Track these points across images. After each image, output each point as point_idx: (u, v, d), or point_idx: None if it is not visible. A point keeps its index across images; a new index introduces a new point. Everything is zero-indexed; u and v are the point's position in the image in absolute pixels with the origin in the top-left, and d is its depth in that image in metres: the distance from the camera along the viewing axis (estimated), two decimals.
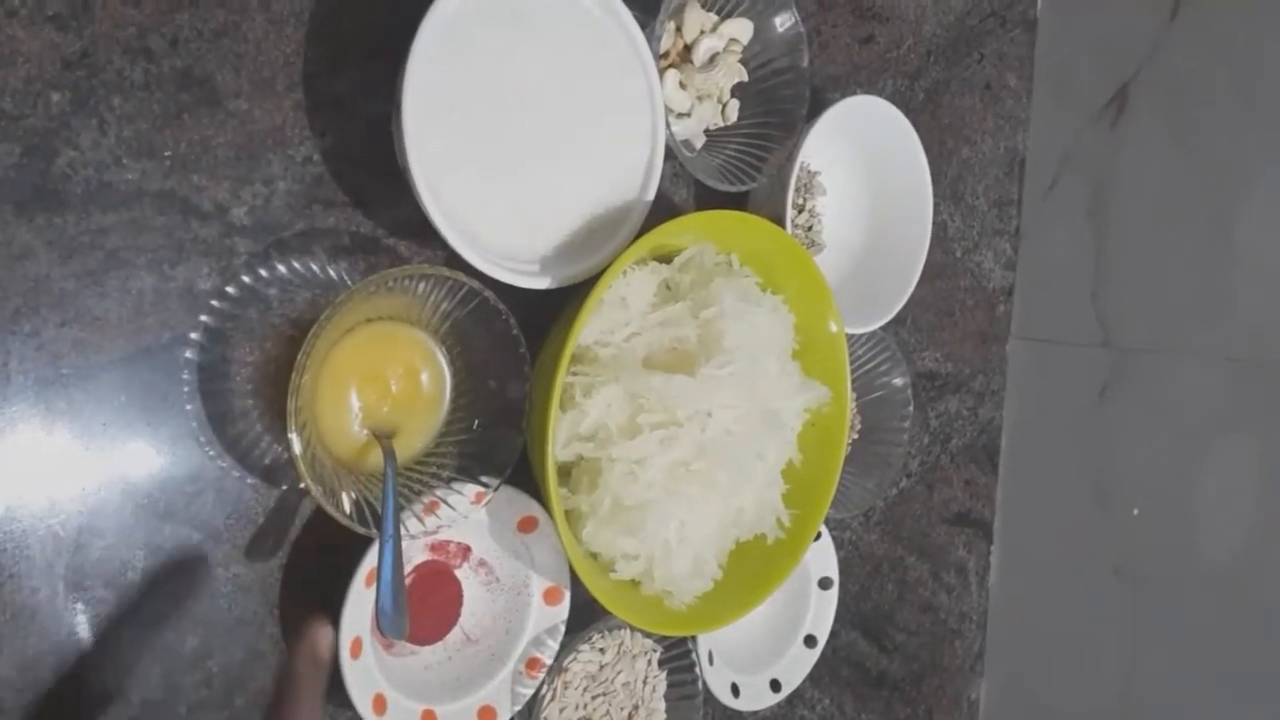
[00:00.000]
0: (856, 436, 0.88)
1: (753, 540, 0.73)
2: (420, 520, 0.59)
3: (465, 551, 0.66)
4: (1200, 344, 0.98)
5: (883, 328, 0.85)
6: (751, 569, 0.73)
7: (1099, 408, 1.03)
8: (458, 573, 0.67)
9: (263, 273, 0.58)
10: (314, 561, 0.61)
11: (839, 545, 0.94)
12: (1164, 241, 1.01)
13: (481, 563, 0.67)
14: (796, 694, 0.91)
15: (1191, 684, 0.98)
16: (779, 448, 0.70)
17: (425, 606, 0.65)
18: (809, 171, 0.82)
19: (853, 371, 0.86)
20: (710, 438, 0.65)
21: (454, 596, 0.67)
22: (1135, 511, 1.01)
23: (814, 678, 0.93)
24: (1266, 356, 0.95)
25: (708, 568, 0.68)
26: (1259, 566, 0.95)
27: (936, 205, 0.86)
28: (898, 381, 0.87)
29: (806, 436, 0.75)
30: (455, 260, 0.58)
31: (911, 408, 0.88)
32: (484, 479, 0.62)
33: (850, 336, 0.82)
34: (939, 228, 0.98)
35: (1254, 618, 0.94)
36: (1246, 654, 0.94)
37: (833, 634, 0.93)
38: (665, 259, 0.69)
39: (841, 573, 0.94)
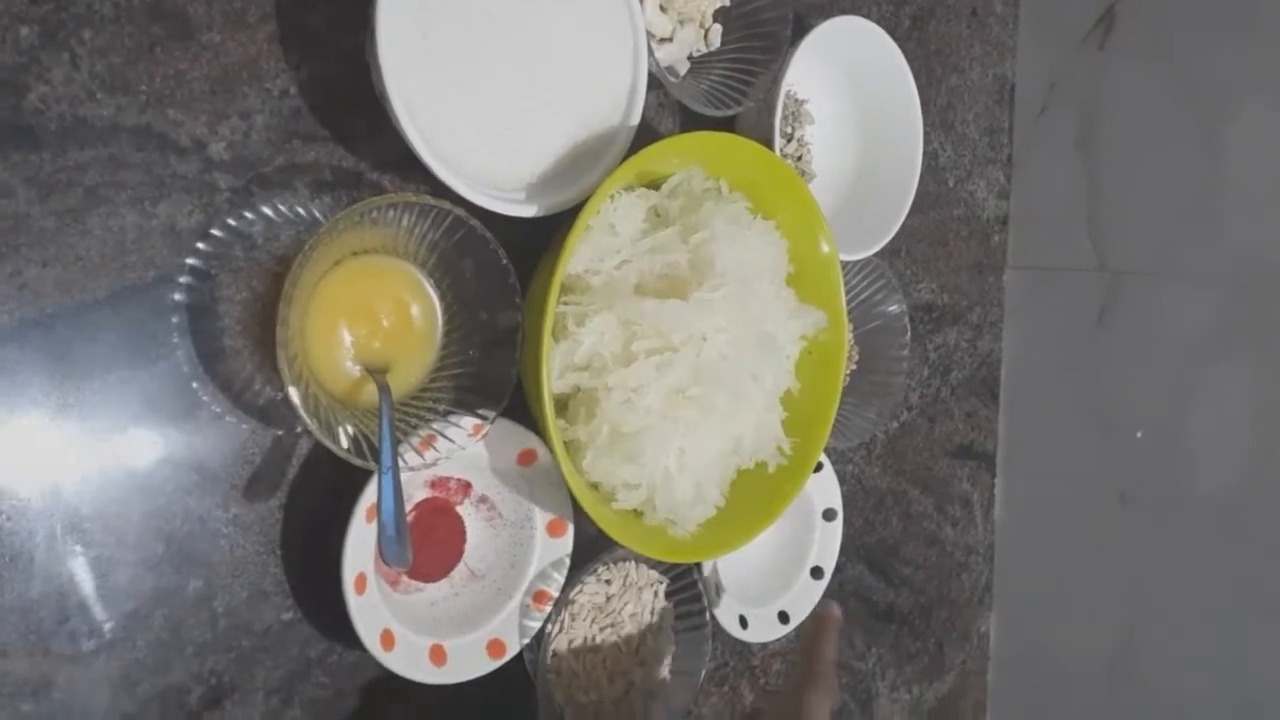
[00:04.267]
0: (855, 367, 0.88)
1: (754, 469, 0.73)
2: (418, 453, 0.59)
3: (466, 488, 0.66)
4: (1194, 266, 0.97)
5: (878, 257, 0.84)
6: (754, 497, 0.73)
7: (1097, 334, 1.03)
8: (459, 509, 0.66)
9: (245, 212, 0.57)
10: (313, 501, 0.61)
11: (841, 479, 0.93)
12: (1156, 164, 1.00)
13: (483, 498, 0.67)
14: None
15: (1195, 609, 0.98)
16: (775, 371, 0.69)
17: (428, 544, 0.65)
18: (796, 100, 0.81)
19: (849, 301, 0.86)
20: (705, 362, 0.64)
21: (457, 533, 0.66)
22: (1139, 435, 1.01)
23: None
24: (1258, 277, 0.94)
25: (709, 494, 0.68)
26: (1258, 491, 0.95)
27: (926, 134, 0.85)
28: (894, 309, 0.86)
29: (804, 364, 0.74)
30: (441, 192, 0.57)
31: (909, 336, 0.87)
32: (481, 411, 0.61)
33: (844, 265, 0.81)
34: (930, 157, 0.97)
35: (1256, 543, 0.94)
36: (1249, 579, 0.94)
37: (839, 567, 0.93)
38: (653, 186, 0.68)
39: (845, 506, 0.94)
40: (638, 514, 0.67)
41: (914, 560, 1.01)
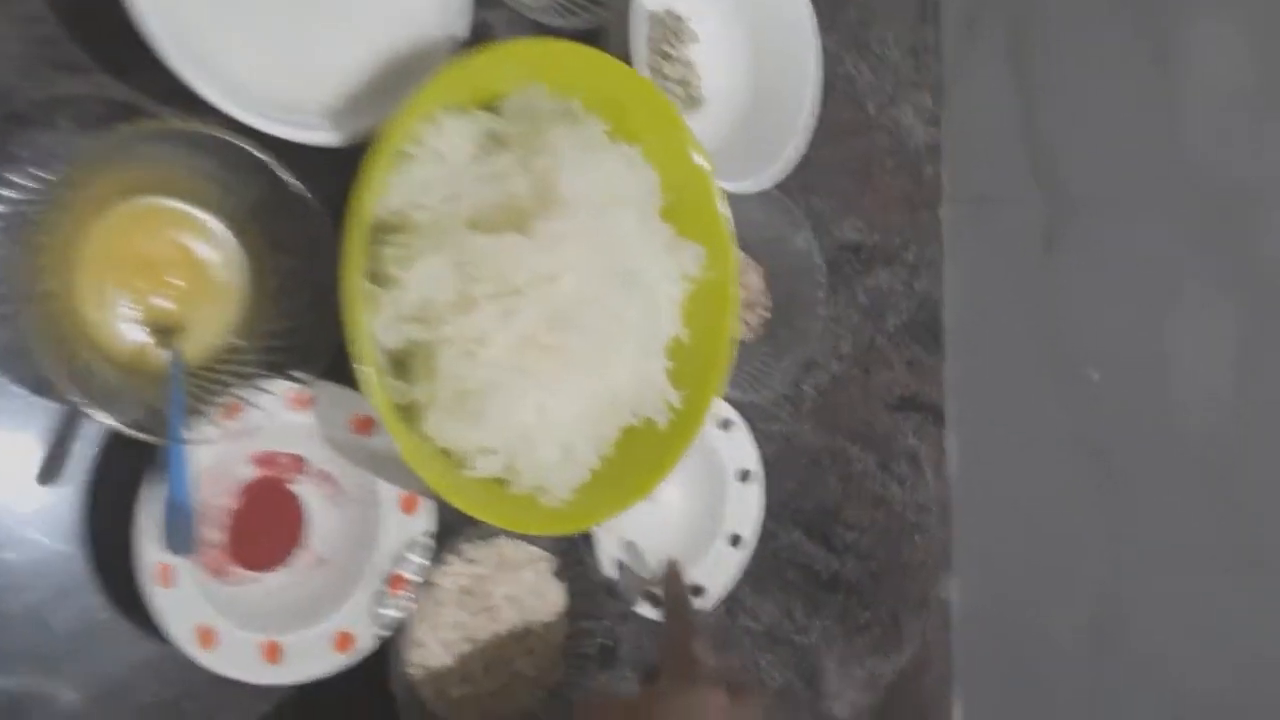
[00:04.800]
0: (768, 314, 0.80)
1: (642, 426, 0.65)
2: (219, 425, 0.51)
3: (299, 463, 0.58)
4: (1150, 186, 0.89)
5: (786, 193, 0.77)
6: (643, 457, 0.65)
7: (1046, 267, 0.95)
8: (296, 488, 0.59)
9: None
10: (119, 483, 0.53)
11: (768, 439, 0.86)
12: (1100, 77, 0.92)
13: (323, 475, 0.59)
14: (736, 601, 0.84)
15: (1178, 561, 0.90)
16: (646, 314, 0.61)
17: (262, 528, 0.58)
18: (675, 16, 0.73)
19: (755, 240, 0.78)
20: (558, 306, 0.56)
21: (295, 514, 0.59)
22: (1095, 376, 0.93)
23: (756, 583, 0.85)
24: (1225, 193, 0.86)
25: (581, 456, 0.60)
26: (1238, 428, 0.87)
27: (839, 56, 0.78)
28: (801, 244, 0.78)
29: (692, 308, 0.67)
30: (234, 126, 0.50)
31: (824, 275, 0.79)
32: (297, 375, 0.54)
33: (743, 201, 0.74)
34: (845, 81, 0.89)
35: (1237, 487, 0.86)
36: (1232, 527, 0.86)
37: (771, 535, 0.86)
38: (493, 109, 0.60)
39: (775, 468, 0.86)
40: (501, 483, 0.59)
41: (858, 523, 0.93)
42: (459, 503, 0.56)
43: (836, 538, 0.92)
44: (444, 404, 0.55)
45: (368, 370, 0.51)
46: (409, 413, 0.57)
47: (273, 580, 0.58)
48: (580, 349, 0.57)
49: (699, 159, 0.65)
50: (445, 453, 0.58)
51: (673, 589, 0.67)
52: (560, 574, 0.66)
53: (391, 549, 0.59)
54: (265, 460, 0.57)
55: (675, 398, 0.65)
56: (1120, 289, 0.90)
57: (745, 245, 0.79)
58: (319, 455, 0.59)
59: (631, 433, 0.65)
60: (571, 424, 0.59)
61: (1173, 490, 0.89)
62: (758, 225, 0.78)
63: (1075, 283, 0.93)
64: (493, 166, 0.57)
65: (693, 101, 0.76)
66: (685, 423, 0.66)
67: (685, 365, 0.67)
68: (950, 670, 1.03)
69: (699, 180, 0.66)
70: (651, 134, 0.64)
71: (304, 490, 0.59)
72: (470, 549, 0.62)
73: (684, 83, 0.74)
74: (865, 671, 0.94)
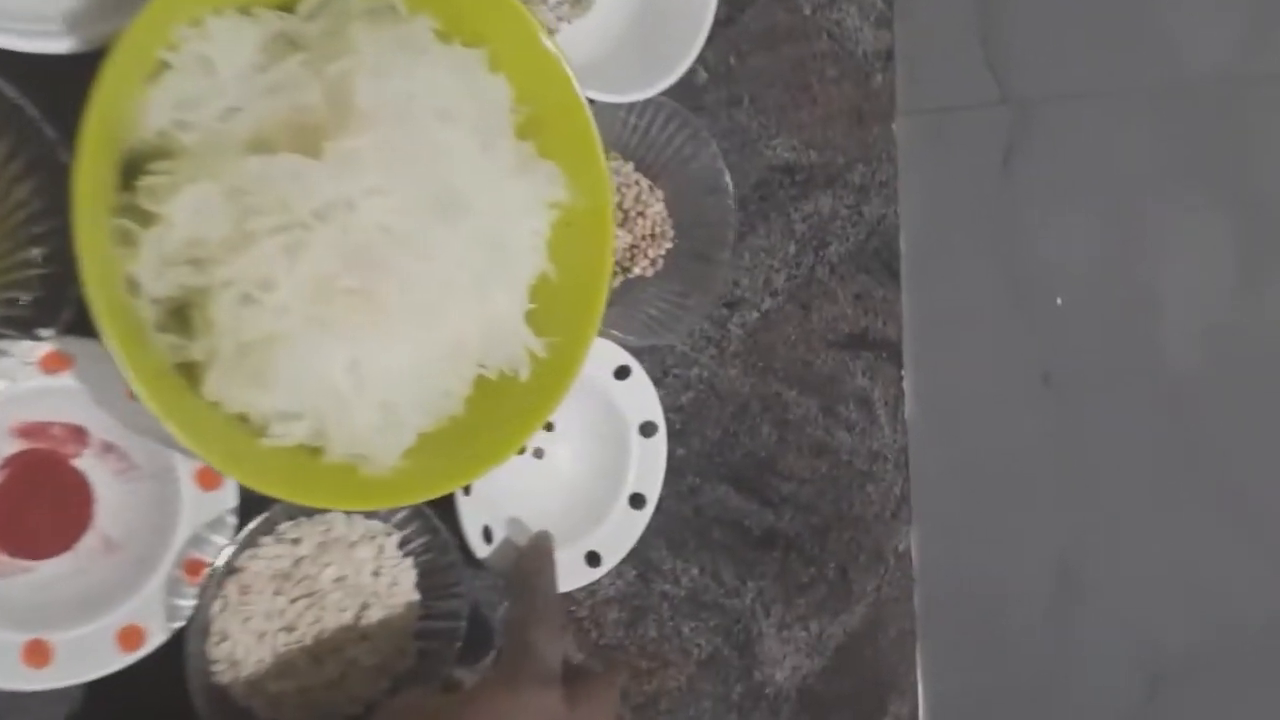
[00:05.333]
0: (671, 245, 0.70)
1: (501, 380, 0.56)
2: None
3: (78, 434, 0.50)
4: (1119, 80, 0.78)
5: (707, 109, 0.67)
6: (503, 415, 0.56)
7: (1007, 183, 0.84)
8: (78, 462, 0.51)
9: None
10: None
11: (685, 385, 0.77)
12: None
13: (107, 446, 0.51)
14: (652, 566, 0.76)
15: (1150, 506, 0.81)
16: (486, 248, 0.52)
17: (35, 509, 0.50)
18: None
19: (654, 162, 0.68)
20: (357, 242, 0.47)
21: (79, 493, 0.51)
22: (1059, 301, 0.83)
23: (674, 545, 0.77)
24: (1206, 84, 0.75)
25: (407, 418, 0.51)
26: (1219, 358, 0.77)
27: None
28: (707, 164, 0.68)
29: (562, 243, 0.58)
30: None
31: (732, 200, 0.69)
32: (39, 332, 0.45)
33: (638, 116, 0.64)
34: None
35: (1213, 426, 0.76)
36: (1204, 472, 0.77)
37: (693, 491, 0.77)
38: (289, 8, 0.50)
39: (695, 417, 0.77)
40: (313, 452, 0.51)
41: (797, 474, 0.84)
42: (250, 479, 0.47)
43: (772, 490, 0.83)
44: (225, 361, 0.47)
45: (105, 327, 0.43)
46: (192, 373, 0.48)
47: (48, 569, 0.50)
48: (393, 292, 0.48)
49: (559, 63, 0.55)
50: (243, 420, 0.49)
51: (525, 565, 0.59)
52: (408, 549, 0.57)
53: (188, 530, 0.51)
54: (32, 431, 0.49)
55: (539, 345, 0.56)
56: (1090, 203, 0.80)
57: (644, 167, 0.69)
58: (100, 424, 0.50)
59: (487, 387, 0.56)
60: (395, 380, 0.51)
61: (1147, 431, 0.80)
62: (657, 145, 0.68)
63: (1039, 198, 0.82)
64: (275, 75, 0.47)
65: (578, 4, 0.66)
66: (554, 374, 0.57)
67: (556, 308, 0.58)
68: (914, 628, 0.95)
69: (561, 90, 0.56)
70: (502, 36, 0.54)
71: (89, 466, 0.51)
72: (289, 527, 0.54)
73: None
74: (809, 634, 0.86)
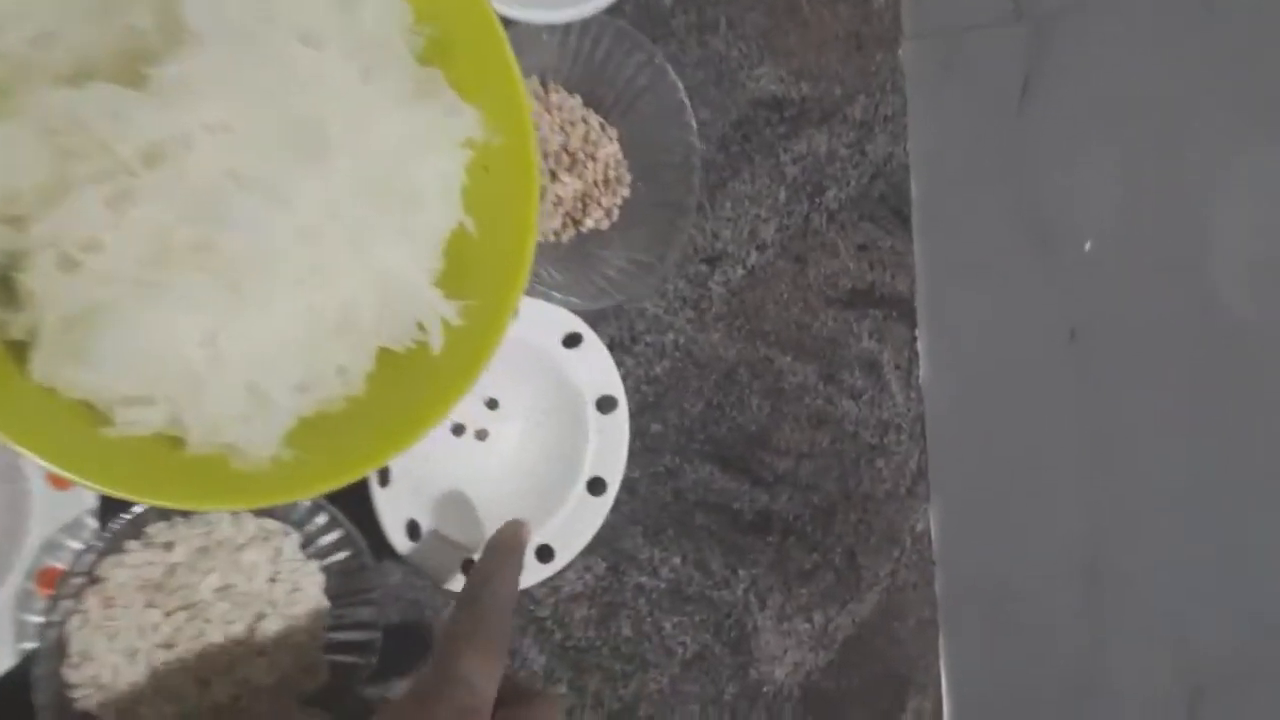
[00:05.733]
0: (628, 193, 0.61)
1: (412, 354, 0.48)
2: None
3: None
4: None
5: (674, 35, 0.58)
6: (413, 392, 0.48)
7: (1024, 111, 0.74)
8: None
9: None
10: None
11: (659, 353, 0.68)
12: None
13: None
14: (626, 557, 0.67)
15: (1195, 478, 0.70)
16: (371, 197, 0.43)
17: None
18: None
19: (607, 96, 0.59)
20: (197, 188, 0.39)
21: None
22: (1087, 246, 0.72)
23: (651, 533, 0.69)
24: None
25: (280, 400, 0.43)
26: (1273, 304, 0.66)
27: None
28: (663, 94, 0.59)
29: (481, 191, 0.49)
30: None
31: (696, 137, 0.60)
32: None
33: (576, 35, 0.55)
34: None
35: (1267, 385, 0.66)
36: (1257, 434, 0.66)
37: (670, 472, 0.69)
38: None
39: (671, 389, 0.69)
40: (174, 439, 0.43)
41: (794, 448, 0.75)
42: (87, 476, 0.39)
43: (765, 468, 0.74)
44: (48, 338, 0.39)
45: None
46: (13, 351, 0.40)
47: None
48: (237, 249, 0.40)
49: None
50: (89, 408, 0.41)
51: (480, 567, 0.50)
52: (312, 550, 0.49)
53: (44, 535, 0.43)
54: None
55: (452, 311, 0.48)
56: (1122, 133, 0.69)
57: (594, 102, 0.60)
58: None
59: (395, 362, 0.48)
60: (265, 356, 0.42)
61: (1190, 394, 0.69)
62: (606, 75, 0.59)
63: (1064, 129, 0.72)
64: None
65: None
66: (472, 343, 0.48)
67: (478, 267, 0.50)
68: (935, 616, 0.85)
69: (470, 5, 0.48)
70: None
71: None
72: (161, 529, 0.46)
73: None
74: (813, 626, 0.77)
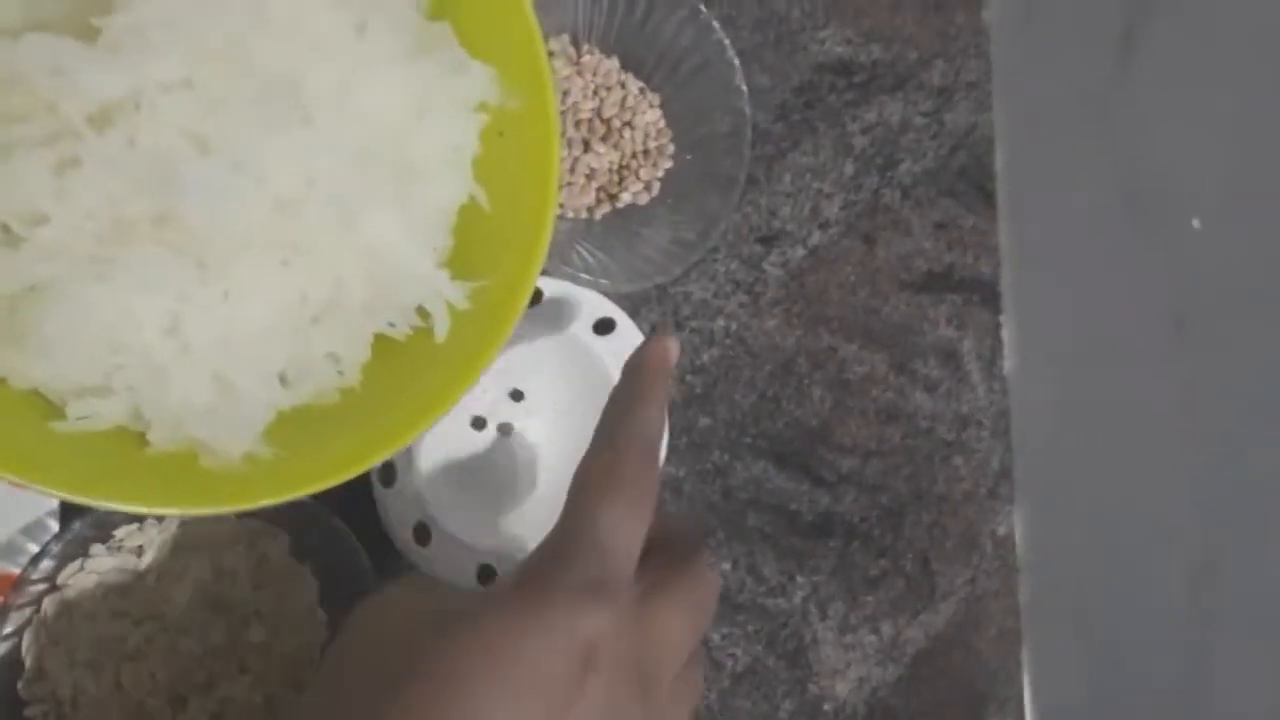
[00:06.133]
0: (671, 164, 0.56)
1: (414, 341, 0.44)
2: None
3: None
4: None
5: None
6: (414, 383, 0.43)
7: (1123, 72, 0.66)
8: None
9: None
10: None
11: (708, 340, 0.63)
12: None
13: None
14: None
15: None
16: (351, 163, 0.39)
17: None
18: None
19: (644, 56, 0.54)
20: (153, 153, 0.35)
21: None
22: (1196, 224, 0.64)
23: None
24: None
25: (255, 392, 0.39)
26: None
27: None
28: (709, 54, 0.53)
29: (495, 159, 0.44)
30: None
31: (746, 103, 0.54)
32: None
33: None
34: None
35: None
36: None
37: (719, 470, 0.63)
38: None
39: (722, 380, 0.63)
40: (138, 438, 0.39)
41: (861, 445, 0.69)
42: (33, 475, 0.35)
43: (826, 466, 0.68)
44: None
45: None
46: None
47: None
48: (215, 225, 0.35)
49: None
50: (41, 398, 0.38)
51: (618, 397, 0.39)
52: (303, 552, 0.45)
53: (1, 539, 0.40)
54: None
55: (458, 293, 0.43)
56: (1235, 96, 0.61)
57: (634, 65, 0.55)
58: None
59: (393, 349, 0.44)
60: (235, 342, 0.38)
61: None
62: (646, 35, 0.53)
63: (1169, 93, 0.64)
64: None
65: None
66: (482, 329, 0.44)
67: (488, 244, 0.45)
68: (1019, 627, 0.78)
69: None
70: None
71: None
72: (130, 532, 0.42)
73: None
74: (880, 638, 0.71)
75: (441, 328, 0.43)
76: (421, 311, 0.43)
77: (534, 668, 0.29)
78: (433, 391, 0.43)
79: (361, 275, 0.41)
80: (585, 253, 0.53)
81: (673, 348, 0.40)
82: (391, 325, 0.43)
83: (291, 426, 0.41)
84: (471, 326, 0.43)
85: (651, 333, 0.60)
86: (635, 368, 0.39)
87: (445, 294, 0.43)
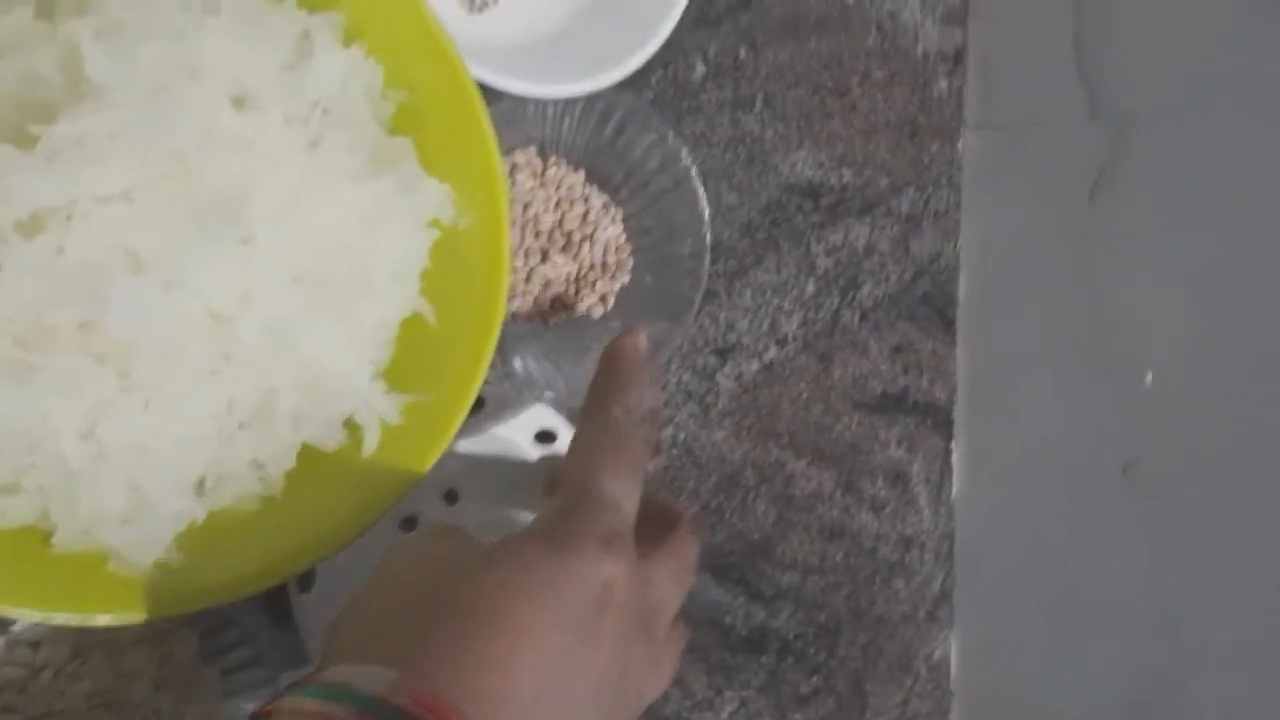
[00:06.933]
0: (628, 279, 0.56)
1: (343, 451, 0.43)
2: None
3: None
4: (1236, 93, 0.60)
5: (703, 111, 0.53)
6: (341, 496, 0.43)
7: (1091, 216, 0.67)
8: None
9: None
10: None
11: (654, 449, 0.62)
12: None
13: None
14: None
15: (1253, 625, 0.62)
16: (292, 281, 0.39)
17: None
18: None
19: (610, 171, 0.54)
20: (81, 263, 0.34)
21: None
22: (1149, 378, 0.65)
23: None
24: None
25: (169, 503, 0.38)
26: None
27: None
28: (675, 175, 0.53)
29: (442, 274, 0.44)
30: None
31: (707, 226, 0.54)
32: None
33: (583, 110, 0.50)
34: None
35: None
36: None
37: None
38: None
39: (664, 489, 0.62)
40: (44, 536, 0.38)
41: (802, 561, 0.69)
42: None
43: (765, 580, 0.67)
44: None
45: None
46: None
47: None
48: (133, 335, 0.35)
49: (440, 35, 0.42)
50: None
51: (603, 375, 0.41)
52: (210, 651, 0.44)
53: None
54: None
55: (391, 408, 0.43)
56: (1199, 248, 0.62)
57: (599, 179, 0.55)
58: None
59: (319, 457, 0.43)
60: (153, 451, 0.38)
61: (1258, 545, 0.61)
62: (614, 151, 0.54)
63: (1134, 240, 0.64)
64: (3, 28, 0.35)
65: None
66: (416, 443, 0.43)
67: (431, 357, 0.45)
68: None
69: (444, 71, 0.43)
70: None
71: None
72: (29, 628, 0.41)
73: None
74: None
75: (371, 441, 0.43)
76: (352, 424, 0.43)
77: (566, 605, 0.32)
78: (359, 504, 0.43)
79: (294, 385, 0.40)
80: (533, 361, 0.53)
81: (641, 340, 0.41)
82: (317, 437, 0.42)
83: (208, 533, 0.40)
84: (407, 439, 0.43)
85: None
86: (613, 359, 0.41)
87: (378, 407, 0.42)
